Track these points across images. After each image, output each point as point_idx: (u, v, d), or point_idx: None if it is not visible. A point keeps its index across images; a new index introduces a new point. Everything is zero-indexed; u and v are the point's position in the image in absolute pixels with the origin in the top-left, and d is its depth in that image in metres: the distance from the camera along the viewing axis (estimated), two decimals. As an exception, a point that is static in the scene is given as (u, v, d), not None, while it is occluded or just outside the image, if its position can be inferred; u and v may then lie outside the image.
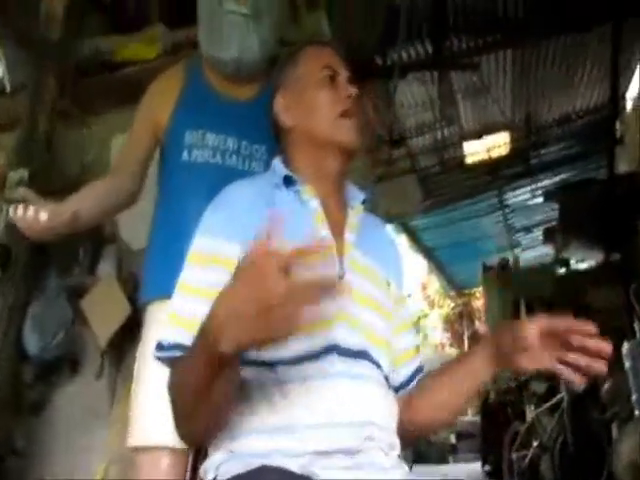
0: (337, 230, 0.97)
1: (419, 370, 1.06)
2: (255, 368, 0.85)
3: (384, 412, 0.91)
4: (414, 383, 1.04)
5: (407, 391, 1.03)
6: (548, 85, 4.79)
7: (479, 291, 9.37)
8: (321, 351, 0.86)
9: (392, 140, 4.79)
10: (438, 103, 4.71)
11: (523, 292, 6.05)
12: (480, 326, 11.36)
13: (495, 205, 7.52)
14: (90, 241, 2.32)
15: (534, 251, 8.69)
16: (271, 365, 0.85)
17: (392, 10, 3.20)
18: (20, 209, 1.17)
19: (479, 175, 6.59)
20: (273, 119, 1.07)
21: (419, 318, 12.75)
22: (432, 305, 13.16)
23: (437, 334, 13.33)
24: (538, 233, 7.98)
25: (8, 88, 2.70)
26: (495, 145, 5.97)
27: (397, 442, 0.93)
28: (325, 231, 0.95)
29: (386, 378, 0.96)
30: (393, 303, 1.02)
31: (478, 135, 5.65)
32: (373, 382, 0.91)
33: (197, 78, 1.52)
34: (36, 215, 1.17)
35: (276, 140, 1.10)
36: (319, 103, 1.01)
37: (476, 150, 6.02)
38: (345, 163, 1.03)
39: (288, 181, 0.99)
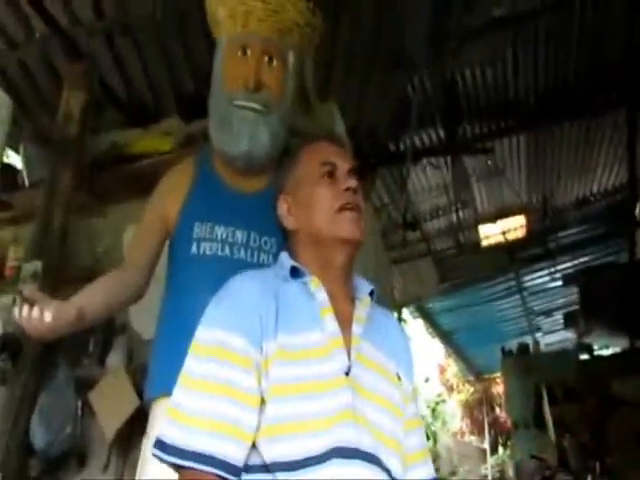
0: (344, 323, 0.95)
1: None
2: (251, 476, 0.82)
3: None
4: None
5: None
6: (564, 168, 4.80)
7: (499, 376, 9.03)
8: (325, 454, 0.81)
9: (406, 223, 4.77)
10: (452, 187, 4.72)
11: (544, 378, 5.82)
12: (501, 413, 10.86)
13: (513, 288, 7.39)
14: (101, 332, 2.31)
15: (555, 335, 8.45)
16: (270, 472, 0.81)
17: (404, 98, 3.26)
18: (25, 309, 1.14)
19: (496, 258, 6.52)
20: (278, 221, 1.10)
21: (437, 404, 12.29)
22: (450, 390, 12.72)
23: (456, 421, 12.76)
24: (558, 317, 7.80)
25: (27, 182, 2.76)
26: (511, 228, 5.93)
27: None
28: (332, 324, 0.92)
29: None
30: (403, 399, 0.97)
31: (494, 218, 5.62)
32: None
33: (207, 171, 1.53)
34: (41, 316, 1.13)
35: (283, 237, 1.11)
36: (317, 201, 1.03)
37: (492, 233, 5.98)
38: (350, 255, 1.03)
39: (295, 273, 0.99)
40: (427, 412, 11.89)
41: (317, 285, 0.97)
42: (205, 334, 0.89)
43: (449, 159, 4.33)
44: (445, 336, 8.74)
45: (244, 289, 0.94)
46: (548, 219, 5.69)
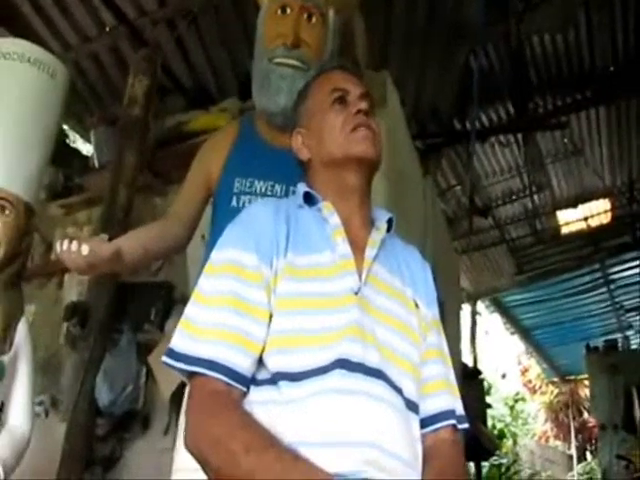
0: (359, 247, 0.95)
1: (450, 414, 0.94)
2: (258, 388, 0.83)
3: (397, 438, 0.82)
4: (442, 426, 0.93)
5: (433, 433, 0.92)
6: (651, 144, 4.40)
7: (586, 377, 8.50)
8: (328, 365, 0.81)
9: (475, 208, 4.58)
10: (525, 168, 4.48)
11: (634, 377, 5.40)
12: (589, 417, 10.24)
13: (599, 280, 6.91)
14: (162, 301, 2.45)
15: (649, 333, 7.81)
16: (275, 382, 0.82)
17: (468, 71, 3.13)
18: (65, 243, 1.18)
19: (578, 247, 6.14)
20: (295, 158, 1.09)
21: (516, 401, 11.78)
22: (533, 392, 12.14)
23: (539, 423, 12.17)
24: (653, 314, 7.23)
25: (97, 165, 2.92)
26: (594, 213, 5.55)
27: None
28: (344, 246, 0.92)
29: (414, 405, 0.89)
30: (422, 326, 0.97)
31: (574, 202, 5.29)
32: (387, 404, 0.83)
33: (249, 130, 1.56)
34: (78, 248, 1.17)
35: (302, 173, 1.09)
36: (329, 126, 1.01)
37: (572, 219, 5.62)
38: (365, 177, 1.01)
39: (309, 199, 1.00)
40: (505, 411, 11.44)
41: (330, 209, 0.97)
42: (218, 254, 0.91)
43: (520, 137, 4.10)
44: (525, 332, 8.36)
45: (257, 213, 0.95)
46: (636, 203, 5.27)
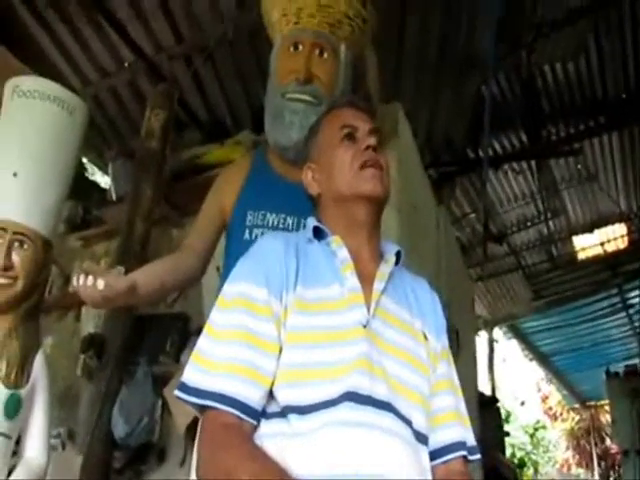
0: (367, 280, 0.96)
1: (460, 445, 0.94)
2: (268, 421, 0.84)
3: (407, 470, 0.82)
4: (453, 458, 0.92)
5: (443, 465, 0.92)
6: (665, 168, 4.38)
7: (608, 403, 8.31)
8: (337, 398, 0.82)
9: (490, 235, 4.56)
10: (540, 195, 4.47)
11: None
12: (612, 444, 9.96)
13: (617, 305, 6.81)
14: (177, 333, 2.45)
15: (670, 358, 7.63)
16: (284, 415, 0.83)
17: (480, 100, 3.15)
18: (82, 278, 1.20)
19: (595, 272, 6.06)
20: (305, 192, 1.11)
21: (536, 429, 11.51)
22: (554, 419, 11.87)
23: (561, 451, 11.87)
24: (675, 338, 7.08)
25: (114, 197, 2.97)
26: (610, 238, 5.50)
27: None
28: (353, 279, 0.94)
29: (423, 437, 0.89)
30: (431, 358, 0.97)
31: (590, 228, 5.25)
32: (396, 436, 0.83)
33: (261, 164, 1.59)
34: (94, 283, 1.18)
35: (312, 207, 1.11)
36: (338, 162, 1.03)
37: (589, 244, 5.57)
38: (374, 213, 1.03)
39: (318, 233, 1.01)
40: (525, 439, 11.18)
41: (338, 243, 0.98)
42: (229, 288, 0.93)
43: (534, 164, 4.11)
44: (543, 359, 8.22)
45: (268, 246, 0.97)
46: (654, 227, 5.22)
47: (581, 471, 11.31)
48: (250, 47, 2.99)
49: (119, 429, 2.11)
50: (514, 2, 2.78)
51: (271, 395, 0.85)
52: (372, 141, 1.02)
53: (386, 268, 0.99)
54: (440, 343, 1.01)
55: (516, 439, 10.06)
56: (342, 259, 0.96)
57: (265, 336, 0.86)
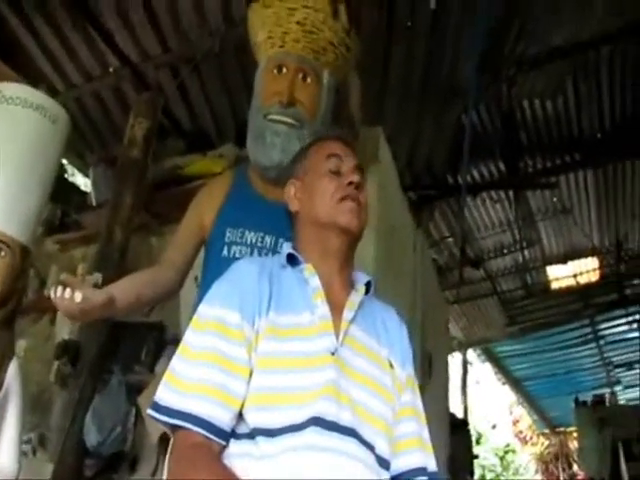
0: (337, 309, 0.99)
1: (421, 471, 0.97)
2: (237, 442, 0.86)
3: None
4: None
5: None
6: (638, 207, 4.50)
7: (576, 430, 8.40)
8: (303, 423, 0.85)
9: (467, 259, 4.63)
10: (516, 224, 4.55)
11: (621, 432, 5.37)
12: (579, 470, 10.05)
13: (588, 336, 6.92)
14: (153, 342, 2.44)
15: (637, 390, 7.75)
16: (252, 437, 0.85)
17: (461, 129, 3.22)
18: (59, 290, 1.20)
19: (568, 302, 6.16)
20: (285, 208, 1.15)
21: (506, 452, 11.56)
22: (524, 442, 11.95)
23: (530, 474, 11.92)
24: (640, 370, 7.21)
25: (94, 203, 2.95)
26: (583, 270, 5.60)
27: None
28: (323, 308, 0.96)
29: (385, 462, 0.92)
30: (396, 386, 1.00)
31: (563, 259, 5.35)
32: (359, 462, 0.86)
33: (242, 182, 1.61)
34: (71, 296, 1.19)
35: (290, 222, 1.15)
36: (321, 190, 1.07)
37: (562, 275, 5.67)
38: (348, 244, 1.06)
39: (292, 260, 1.04)
40: (495, 461, 11.21)
41: (311, 271, 1.01)
42: (205, 310, 0.95)
43: (511, 194, 4.19)
44: (516, 383, 8.29)
45: (243, 271, 1.00)
46: (623, 263, 5.33)
47: (549, 494, 11.37)
48: (236, 60, 3.02)
49: (91, 438, 2.09)
50: (497, 36, 2.85)
51: (241, 417, 0.87)
52: (356, 178, 1.07)
53: (356, 297, 1.02)
54: (405, 372, 1.04)
55: (486, 461, 10.07)
56: (314, 287, 0.99)
57: (236, 360, 0.89)
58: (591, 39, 2.95)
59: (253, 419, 0.86)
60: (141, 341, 2.41)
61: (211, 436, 0.84)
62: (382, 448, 0.91)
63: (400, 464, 0.96)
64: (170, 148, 3.11)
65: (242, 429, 0.87)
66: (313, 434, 0.84)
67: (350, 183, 1.06)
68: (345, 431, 0.86)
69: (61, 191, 2.94)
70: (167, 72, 3.12)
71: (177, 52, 3.03)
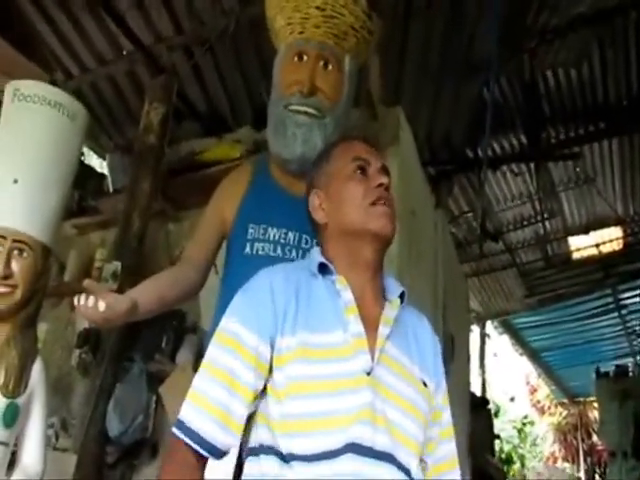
0: (371, 323, 0.94)
1: None
2: (274, 459, 0.86)
3: None
4: None
5: None
6: (663, 175, 4.39)
7: (595, 400, 8.40)
8: (340, 449, 0.83)
9: (486, 233, 4.57)
10: (538, 195, 4.48)
11: (645, 404, 5.34)
12: (599, 440, 10.09)
13: (610, 305, 6.84)
14: (173, 330, 2.46)
15: (660, 359, 7.71)
16: (287, 461, 0.84)
17: (481, 102, 3.14)
18: (82, 298, 1.20)
19: (589, 272, 6.09)
20: (309, 216, 1.10)
21: (524, 424, 11.64)
22: (542, 412, 11.99)
23: (547, 445, 12.01)
24: (665, 339, 7.14)
25: (111, 188, 2.95)
26: (606, 240, 5.51)
27: None
28: (357, 325, 0.93)
29: None
30: (429, 407, 0.97)
31: (585, 229, 5.26)
32: None
33: (263, 175, 1.56)
34: (95, 304, 1.19)
35: (314, 235, 1.12)
36: (349, 196, 1.02)
37: (584, 245, 5.59)
38: (380, 252, 1.02)
39: (323, 269, 1.00)
40: (513, 433, 11.30)
41: (343, 284, 0.97)
42: (226, 324, 0.95)
43: (532, 166, 4.10)
44: (534, 354, 8.27)
45: (266, 286, 0.96)
46: (648, 231, 5.24)
47: (567, 465, 11.45)
48: (251, 40, 2.95)
49: (113, 427, 2.12)
50: (517, 8, 2.75)
51: (273, 439, 0.87)
52: (384, 179, 1.03)
53: (391, 312, 0.98)
54: (441, 391, 1.02)
55: (504, 432, 10.16)
56: (346, 301, 0.95)
57: (244, 383, 0.89)
58: (620, 4, 2.82)
59: (287, 446, 0.85)
60: (161, 329, 2.43)
61: (203, 452, 0.87)
62: (416, 471, 0.91)
63: None
64: (186, 131, 3.08)
65: (277, 451, 0.86)
66: (349, 461, 0.82)
67: (379, 185, 1.01)
68: (382, 456, 0.85)
69: (78, 175, 2.95)
70: (181, 54, 3.07)
71: (190, 33, 2.97)
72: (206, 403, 0.88)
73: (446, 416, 1.01)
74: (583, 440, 10.69)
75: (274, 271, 1.02)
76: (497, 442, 6.86)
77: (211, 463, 0.93)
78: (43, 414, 1.55)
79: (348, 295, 0.95)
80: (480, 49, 2.84)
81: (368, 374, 0.89)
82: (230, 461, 1.07)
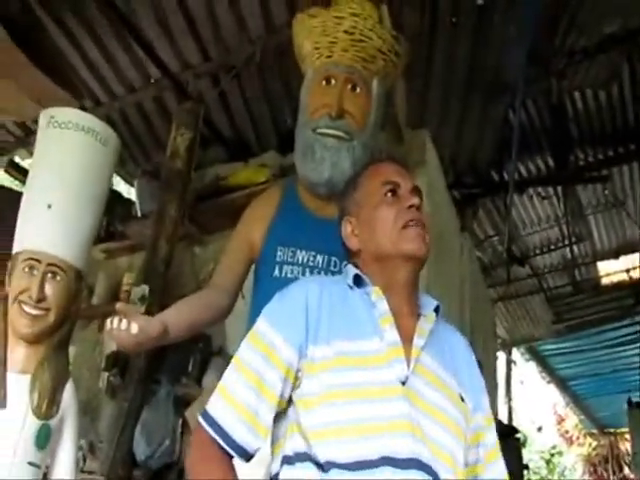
0: (406, 335, 0.95)
1: None
2: (310, 466, 0.85)
3: None
4: None
5: None
6: (694, 199, 4.28)
7: (627, 431, 8.12)
8: (377, 461, 0.82)
9: (512, 257, 4.50)
10: (565, 219, 4.40)
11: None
12: (631, 474, 9.73)
13: (640, 333, 6.66)
14: (200, 353, 2.47)
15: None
16: (326, 469, 0.84)
17: (507, 124, 3.12)
18: (115, 321, 1.20)
19: (619, 298, 5.94)
20: (342, 242, 1.11)
21: (552, 455, 11.29)
22: (570, 442, 11.63)
23: (576, 476, 11.61)
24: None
25: (139, 213, 2.98)
26: (636, 265, 5.38)
27: None
28: (393, 333, 0.93)
29: None
30: (467, 423, 0.95)
31: (615, 254, 5.15)
32: None
33: (292, 198, 1.57)
34: (128, 327, 1.19)
35: (348, 260, 1.11)
36: (381, 219, 1.02)
37: (613, 270, 5.47)
38: (415, 272, 1.02)
39: (358, 281, 1.01)
40: (541, 464, 10.95)
41: (379, 295, 0.98)
42: (261, 326, 0.96)
43: (560, 189, 4.05)
44: (562, 382, 8.05)
45: (301, 293, 0.97)
46: (680, 258, 5.10)
47: (596, 498, 11.06)
48: (277, 67, 2.99)
49: (140, 452, 2.12)
50: (545, 28, 2.74)
51: (308, 447, 0.87)
52: (416, 200, 1.02)
53: (426, 324, 0.98)
54: (481, 410, 0.99)
55: (532, 463, 9.87)
56: (382, 311, 0.96)
57: (272, 388, 0.91)
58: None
59: (323, 454, 0.85)
60: (187, 352, 2.43)
61: (228, 449, 0.88)
62: None
63: None
64: (211, 156, 3.12)
65: (312, 459, 0.86)
66: (388, 473, 0.81)
67: (411, 206, 1.01)
68: (425, 469, 0.83)
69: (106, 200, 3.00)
70: (207, 81, 3.12)
71: (217, 60, 3.01)
72: (235, 403, 0.89)
73: (491, 437, 0.99)
74: (614, 472, 10.33)
75: (311, 280, 1.05)
76: (525, 473, 6.64)
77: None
78: (74, 437, 1.54)
79: (384, 305, 0.96)
80: (507, 70, 2.82)
81: (403, 383, 0.89)
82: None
